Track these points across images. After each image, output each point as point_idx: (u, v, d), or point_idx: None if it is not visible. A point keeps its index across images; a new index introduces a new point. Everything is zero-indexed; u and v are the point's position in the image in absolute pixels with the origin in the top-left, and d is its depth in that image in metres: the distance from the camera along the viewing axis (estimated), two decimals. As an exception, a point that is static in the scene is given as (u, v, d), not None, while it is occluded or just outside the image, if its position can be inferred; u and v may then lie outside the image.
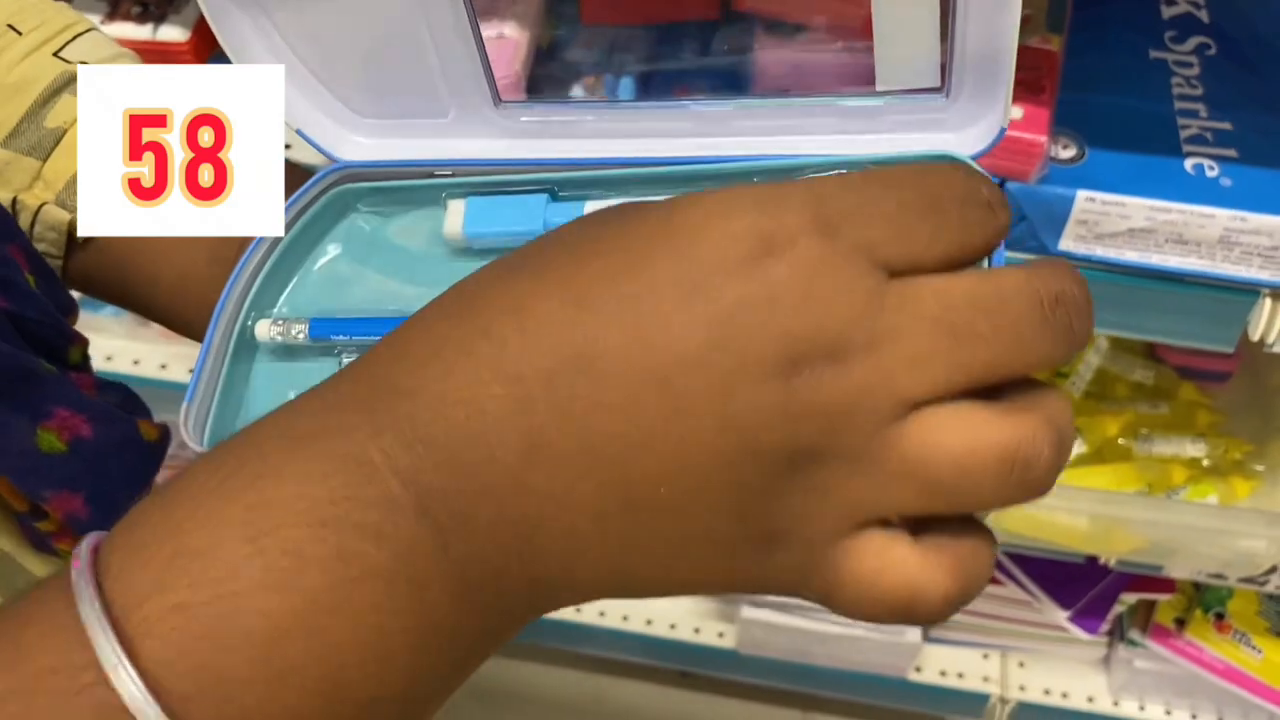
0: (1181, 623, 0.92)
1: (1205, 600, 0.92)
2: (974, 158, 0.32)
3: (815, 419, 0.21)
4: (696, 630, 1.06)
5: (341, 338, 0.36)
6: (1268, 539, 0.74)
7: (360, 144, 0.39)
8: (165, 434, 0.39)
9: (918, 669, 1.02)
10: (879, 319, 0.21)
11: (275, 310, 0.38)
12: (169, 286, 0.41)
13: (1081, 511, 0.76)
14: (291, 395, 0.33)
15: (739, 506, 0.22)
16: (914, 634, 0.98)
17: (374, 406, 0.23)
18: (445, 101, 0.38)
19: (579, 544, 0.23)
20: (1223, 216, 0.59)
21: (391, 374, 0.24)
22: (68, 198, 0.40)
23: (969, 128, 0.33)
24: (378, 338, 0.34)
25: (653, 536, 0.23)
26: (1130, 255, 0.62)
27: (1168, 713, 1.00)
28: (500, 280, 0.25)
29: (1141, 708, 1.00)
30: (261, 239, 0.37)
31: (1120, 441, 0.82)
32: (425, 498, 0.22)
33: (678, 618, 1.06)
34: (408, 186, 0.38)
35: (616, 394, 0.22)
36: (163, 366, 0.94)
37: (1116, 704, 1.00)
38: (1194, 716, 1.00)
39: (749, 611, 0.99)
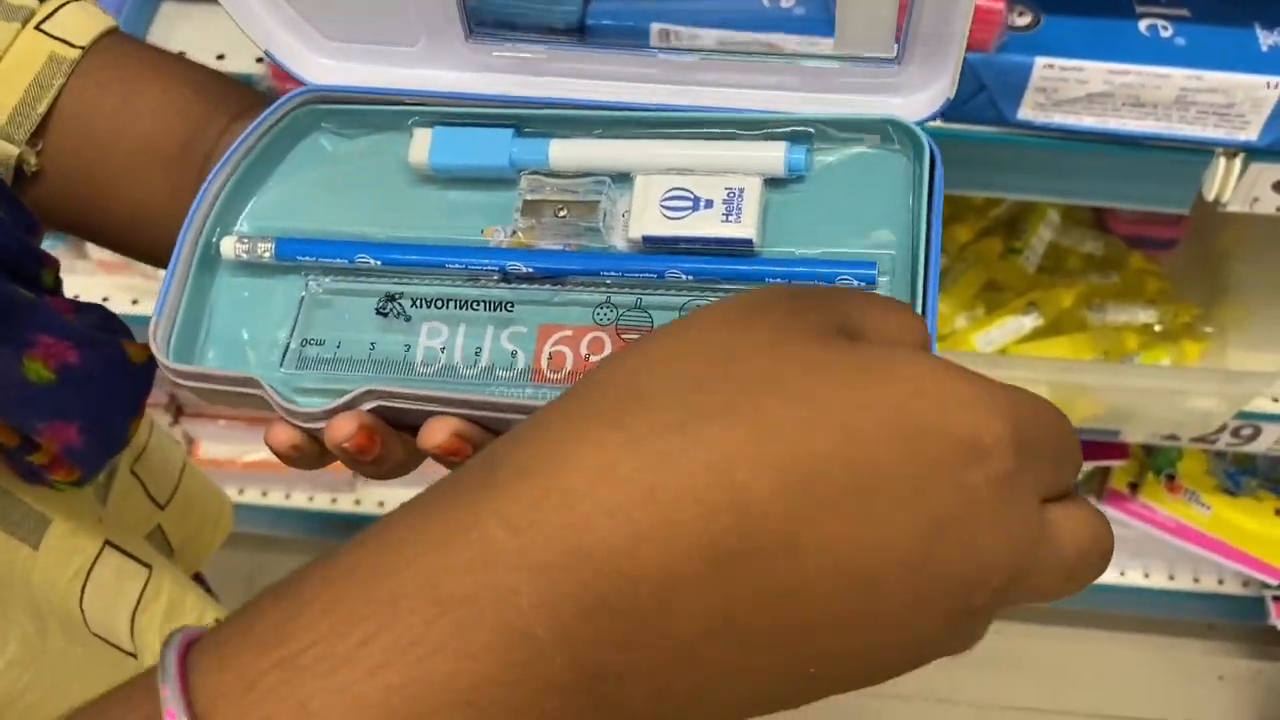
0: (1135, 486, 0.95)
1: (1156, 463, 0.95)
2: (919, 123, 0.35)
3: (970, 626, 0.23)
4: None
5: (307, 258, 0.36)
6: (1219, 396, 0.77)
7: (328, 66, 0.38)
8: (152, 358, 0.38)
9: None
10: (1036, 554, 0.23)
11: (238, 227, 0.37)
12: (128, 217, 0.40)
13: (1042, 380, 0.77)
14: (253, 309, 0.35)
15: (911, 666, 0.24)
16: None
17: (540, 564, 0.20)
18: (416, 29, 0.37)
19: (743, 706, 0.23)
20: (1178, 76, 0.59)
21: (560, 528, 0.21)
22: (13, 131, 0.38)
23: (917, 94, 0.35)
24: (343, 260, 0.35)
25: (821, 693, 0.23)
26: (1088, 120, 0.63)
27: (1121, 573, 1.04)
28: (700, 438, 0.21)
29: (1097, 571, 1.03)
30: (226, 159, 0.36)
31: (1076, 313, 0.83)
32: (597, 679, 0.21)
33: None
34: (373, 111, 0.37)
35: (820, 585, 0.21)
36: (104, 299, 0.91)
37: (1073, 569, 1.03)
38: (1146, 575, 1.04)
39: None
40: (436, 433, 0.32)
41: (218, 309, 0.36)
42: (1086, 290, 0.85)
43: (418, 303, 0.35)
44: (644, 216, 0.34)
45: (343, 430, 0.32)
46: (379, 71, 0.38)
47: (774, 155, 0.34)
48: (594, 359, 0.34)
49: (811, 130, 0.35)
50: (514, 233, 0.36)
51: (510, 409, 0.32)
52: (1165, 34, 0.62)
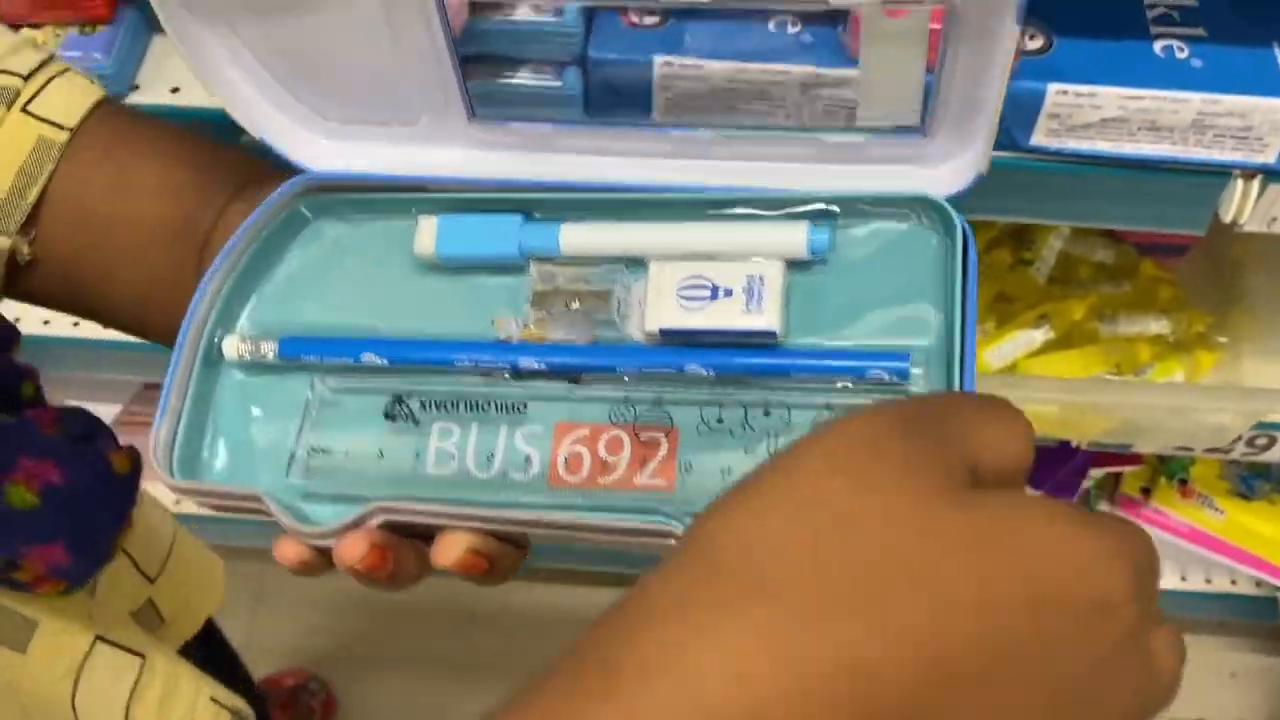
0: (1147, 491, 0.95)
1: (1169, 468, 0.95)
2: (950, 199, 0.33)
3: None
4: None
5: (312, 358, 0.35)
6: (1234, 413, 0.76)
7: (325, 148, 0.37)
8: (136, 461, 0.37)
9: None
10: (1150, 692, 0.23)
11: (241, 324, 0.36)
12: (129, 299, 0.39)
13: (1055, 400, 0.76)
14: (257, 412, 0.34)
15: None
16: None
17: None
18: (416, 109, 0.36)
19: None
20: (1196, 101, 0.58)
21: None
22: (3, 222, 0.37)
23: (945, 165, 0.34)
24: (349, 359, 0.34)
25: None
26: (1102, 145, 0.61)
27: (1133, 575, 1.04)
28: (832, 635, 0.21)
29: (1108, 573, 1.03)
30: (225, 254, 0.35)
31: (1087, 325, 0.82)
32: None
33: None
34: (377, 198, 0.36)
35: None
36: (75, 324, 0.89)
37: (1084, 572, 1.03)
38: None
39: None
40: (451, 550, 0.31)
41: (222, 412, 0.35)
42: (1098, 301, 0.83)
43: (427, 404, 0.34)
44: (660, 307, 0.33)
45: (354, 552, 0.31)
46: (379, 152, 0.36)
47: (796, 237, 0.33)
48: (612, 459, 0.33)
49: (835, 208, 0.34)
50: (525, 324, 0.35)
51: (528, 524, 0.31)
52: (1181, 55, 0.60)
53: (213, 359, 0.35)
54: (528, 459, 0.33)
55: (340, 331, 0.35)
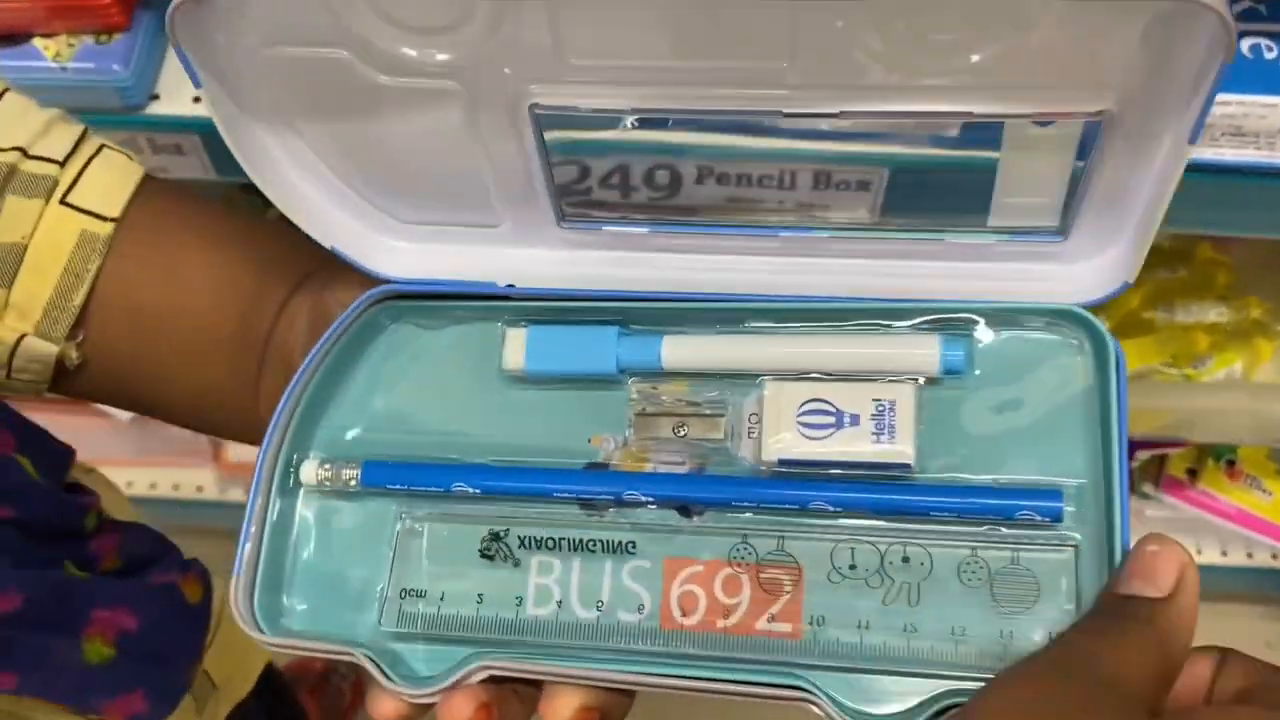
0: (1193, 473, 0.93)
1: (1216, 450, 0.93)
2: (1089, 305, 0.30)
3: None
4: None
5: (397, 486, 0.32)
6: (1296, 408, 0.73)
7: (402, 252, 0.34)
8: (208, 587, 0.35)
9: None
10: None
11: (317, 443, 0.33)
12: (187, 400, 0.36)
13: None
14: (341, 545, 0.31)
15: None
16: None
17: None
18: (500, 212, 0.33)
19: None
20: (1286, 106, 0.55)
21: None
22: (49, 327, 0.34)
23: (1084, 270, 0.31)
24: (435, 488, 0.31)
25: None
26: (1183, 153, 0.58)
27: (1173, 550, 1.02)
28: None
29: (1148, 550, 1.02)
30: (300, 376, 0.32)
31: (1143, 314, 0.80)
32: None
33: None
34: (460, 307, 0.33)
35: None
36: None
37: (1124, 549, 1.02)
38: (1199, 551, 1.03)
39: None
40: (562, 710, 0.29)
41: (302, 545, 0.32)
42: (1154, 288, 0.81)
43: (526, 542, 0.32)
44: (779, 435, 0.30)
45: (460, 713, 0.29)
46: (460, 256, 0.33)
47: (927, 354, 0.30)
48: (730, 601, 0.30)
49: (972, 318, 0.31)
50: (625, 443, 0.32)
51: (645, 685, 0.28)
52: (1270, 55, 0.56)
53: (289, 487, 0.32)
54: (637, 600, 0.30)
55: (425, 446, 0.33)
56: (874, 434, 0.30)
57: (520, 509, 0.32)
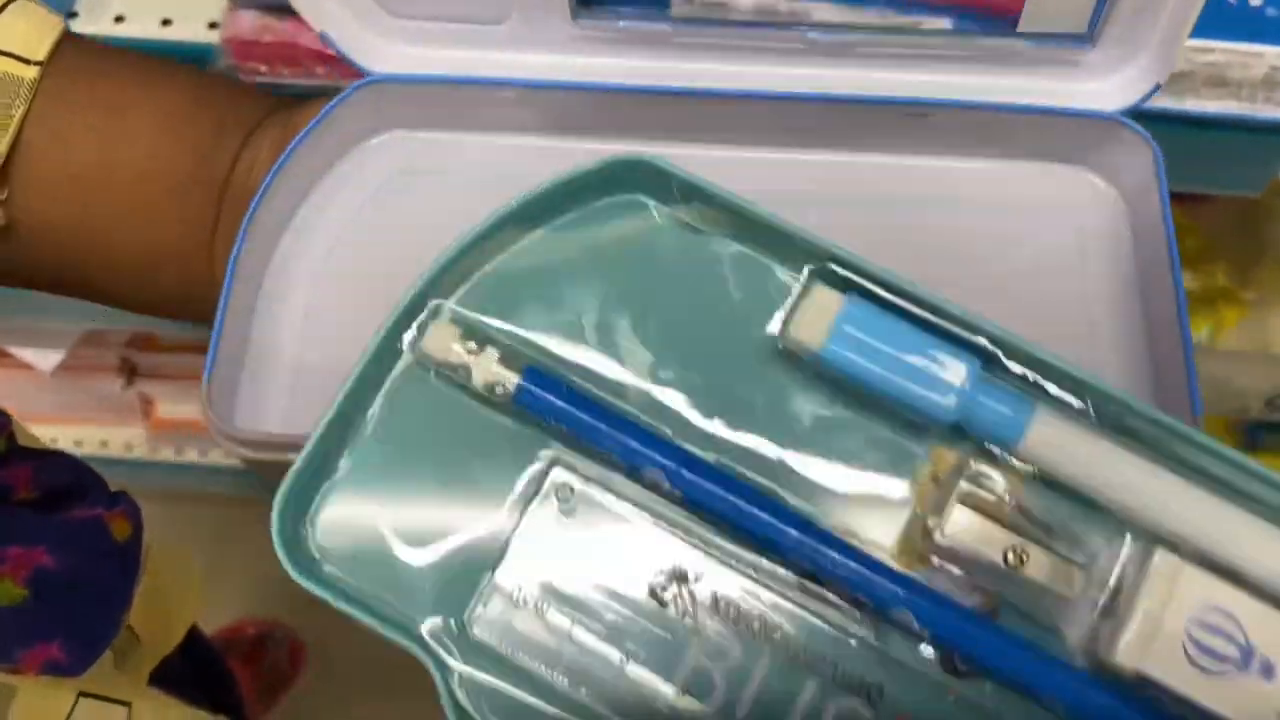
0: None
1: (1175, 420, 0.92)
2: (1122, 113, 0.28)
3: None
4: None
5: (562, 420, 0.22)
6: (1260, 378, 0.72)
7: (395, 56, 0.29)
8: (138, 524, 0.31)
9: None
10: None
11: (459, 297, 0.23)
12: (132, 269, 0.31)
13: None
14: (446, 473, 0.21)
15: None
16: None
17: None
18: (506, 4, 0.28)
19: None
20: (1270, 54, 0.53)
21: None
22: None
23: (1110, 78, 0.29)
24: (621, 457, 0.21)
25: None
26: (1163, 101, 0.56)
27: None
28: None
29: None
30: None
31: (1109, 279, 0.78)
32: None
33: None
34: (757, 215, 0.23)
35: None
36: None
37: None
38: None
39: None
40: None
41: (378, 435, 0.23)
42: (1120, 252, 0.79)
43: (723, 606, 0.21)
44: (1154, 639, 0.21)
45: None
46: (459, 56, 0.29)
47: None
48: None
49: None
50: (908, 529, 0.22)
51: None
52: (1255, 2, 0.54)
53: (391, 354, 0.23)
54: None
55: (617, 391, 0.23)
56: None
57: (717, 541, 0.22)
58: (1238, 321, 0.78)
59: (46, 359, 0.90)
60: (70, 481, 0.31)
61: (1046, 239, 0.30)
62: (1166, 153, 0.60)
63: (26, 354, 0.90)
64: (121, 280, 0.33)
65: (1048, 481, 0.22)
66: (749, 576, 0.22)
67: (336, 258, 0.29)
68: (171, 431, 1.03)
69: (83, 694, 0.37)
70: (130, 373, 1.01)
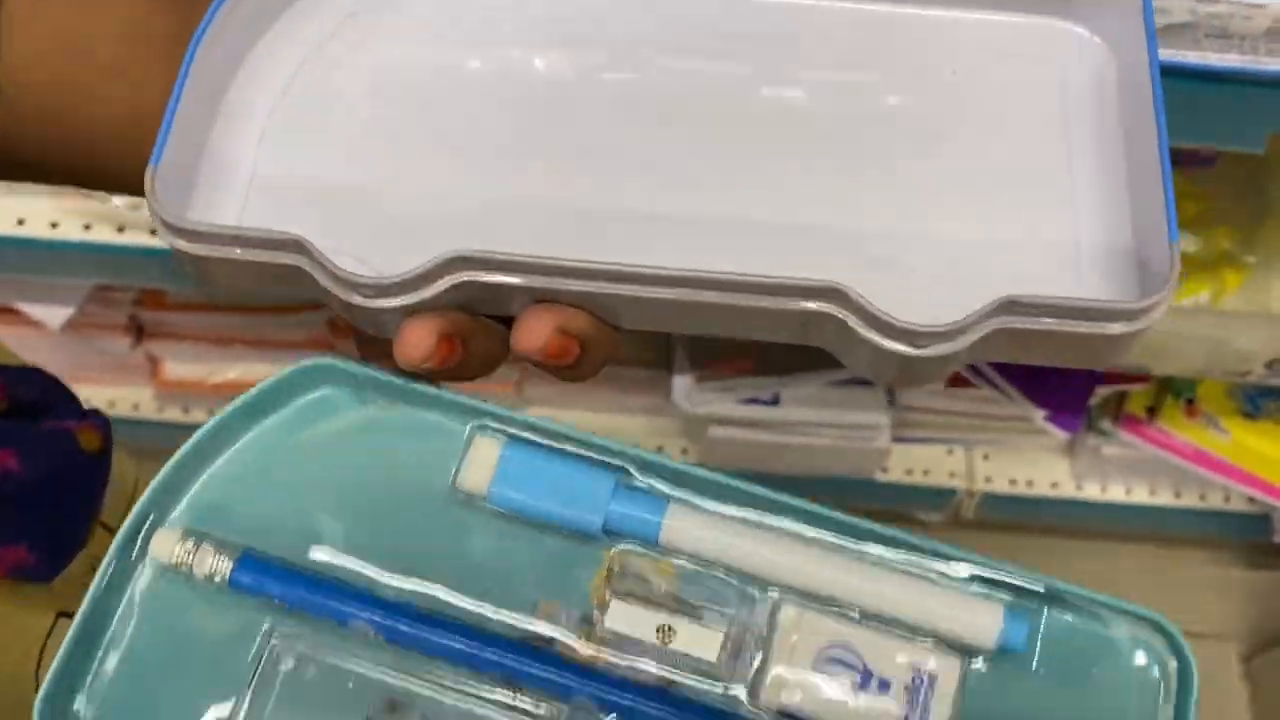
0: (1152, 410, 0.92)
1: (1175, 387, 0.92)
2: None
3: None
4: (659, 448, 1.03)
5: (273, 594, 0.25)
6: (1262, 340, 0.72)
7: None
8: (107, 437, 0.32)
9: (884, 469, 1.01)
10: None
11: (182, 507, 0.26)
12: (117, 125, 0.31)
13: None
14: (180, 655, 0.25)
15: None
16: (883, 439, 0.96)
17: None
18: None
19: None
20: (1272, 8, 0.53)
21: None
22: None
23: (1105, 7, 0.29)
24: (332, 618, 0.25)
25: None
26: (1166, 54, 0.56)
27: (1127, 492, 1.02)
28: None
29: (1103, 489, 1.02)
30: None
31: (1111, 241, 0.78)
32: None
33: (640, 438, 1.03)
34: (418, 392, 0.27)
35: None
36: (20, 223, 0.81)
37: (1079, 488, 1.01)
38: (1152, 492, 1.02)
39: (715, 431, 0.96)
40: (537, 331, 0.25)
41: (130, 640, 0.26)
42: (1122, 215, 0.79)
43: None
44: (788, 678, 0.25)
45: (420, 346, 0.24)
46: None
47: (984, 622, 0.25)
48: None
49: (1041, 590, 0.26)
50: (584, 618, 0.26)
51: (650, 280, 0.24)
52: (1257, -46, 0.54)
53: (132, 555, 0.26)
54: None
55: (324, 560, 0.26)
56: (904, 710, 0.25)
57: (429, 674, 0.26)
58: (1239, 285, 0.78)
59: (55, 315, 0.91)
60: (40, 397, 0.32)
61: (1034, 88, 0.29)
62: (1172, 108, 0.60)
63: (36, 310, 0.91)
64: (108, 147, 0.32)
65: (696, 566, 0.26)
66: (456, 692, 0.25)
67: (298, 84, 0.29)
68: (178, 391, 1.04)
69: (62, 614, 0.37)
70: (138, 332, 1.01)
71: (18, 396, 0.31)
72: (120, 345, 0.99)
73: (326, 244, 0.25)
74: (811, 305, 0.24)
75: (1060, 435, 0.92)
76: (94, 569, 0.43)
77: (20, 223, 0.80)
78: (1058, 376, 0.89)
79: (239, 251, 0.25)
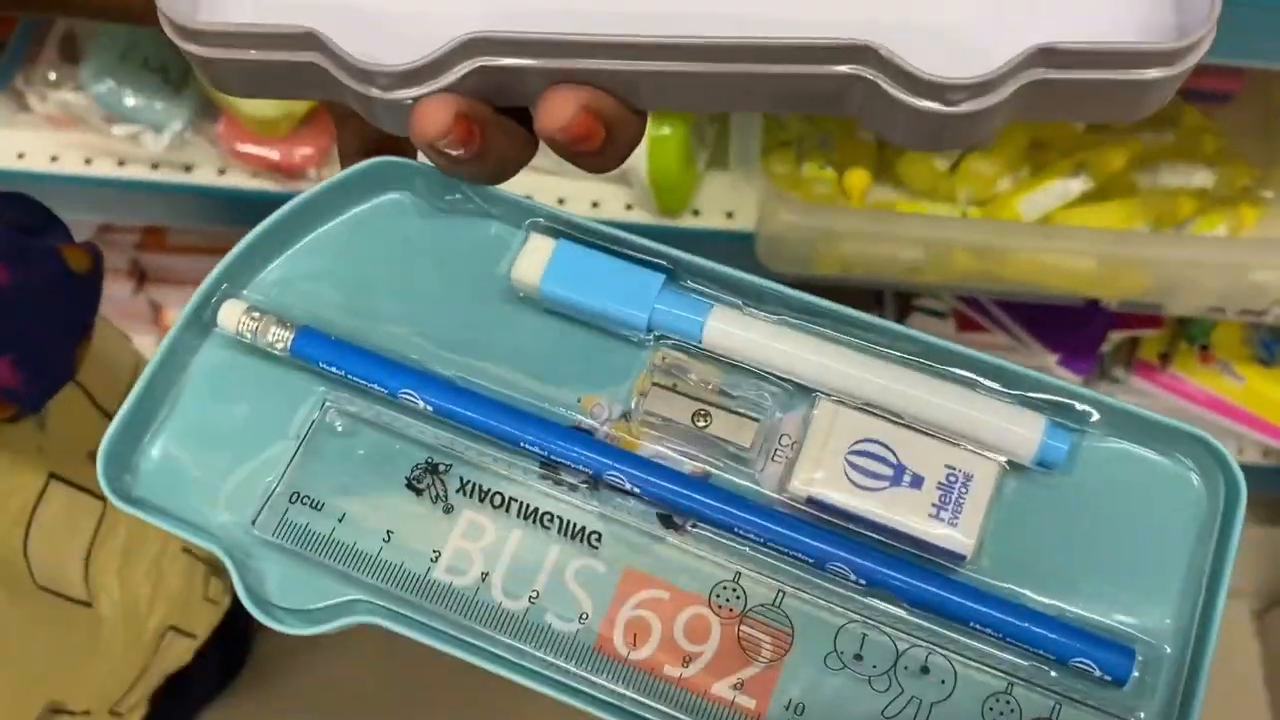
0: (1165, 357, 0.91)
1: (1190, 333, 0.91)
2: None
3: None
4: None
5: (332, 368, 0.27)
6: (1278, 273, 0.71)
7: None
8: (97, 259, 0.31)
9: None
10: None
11: (253, 286, 0.28)
12: None
13: (1092, 253, 0.71)
14: (238, 412, 0.26)
15: None
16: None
17: None
18: None
19: None
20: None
21: None
22: None
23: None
24: (381, 389, 0.26)
25: None
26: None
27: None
28: None
29: (1113, 439, 1.01)
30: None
31: (1126, 176, 0.77)
32: None
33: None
34: (476, 189, 0.28)
35: None
36: (19, 156, 0.81)
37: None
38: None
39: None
40: (560, 109, 0.24)
41: (187, 397, 0.27)
42: (1138, 150, 0.78)
43: (468, 489, 0.26)
44: (818, 469, 0.25)
45: (435, 120, 0.24)
46: None
47: (1026, 435, 0.25)
48: (690, 647, 0.25)
49: (1091, 410, 0.25)
50: (625, 415, 0.27)
51: (688, 54, 0.23)
52: None
53: (200, 323, 0.27)
54: (578, 606, 0.25)
55: (383, 336, 0.28)
56: (935, 506, 0.25)
57: (471, 446, 0.27)
58: (1257, 220, 0.77)
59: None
60: (33, 221, 0.31)
61: None
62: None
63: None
64: None
65: (736, 366, 0.27)
66: (495, 472, 0.27)
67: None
68: (181, 338, 1.03)
69: (55, 476, 0.36)
70: (140, 278, 1.01)
71: (8, 219, 0.30)
72: (123, 291, 0.98)
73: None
74: (841, 68, 0.23)
75: (1073, 378, 0.90)
76: (89, 447, 0.42)
77: (20, 156, 0.79)
78: (1068, 320, 0.88)
79: (253, 53, 0.24)
